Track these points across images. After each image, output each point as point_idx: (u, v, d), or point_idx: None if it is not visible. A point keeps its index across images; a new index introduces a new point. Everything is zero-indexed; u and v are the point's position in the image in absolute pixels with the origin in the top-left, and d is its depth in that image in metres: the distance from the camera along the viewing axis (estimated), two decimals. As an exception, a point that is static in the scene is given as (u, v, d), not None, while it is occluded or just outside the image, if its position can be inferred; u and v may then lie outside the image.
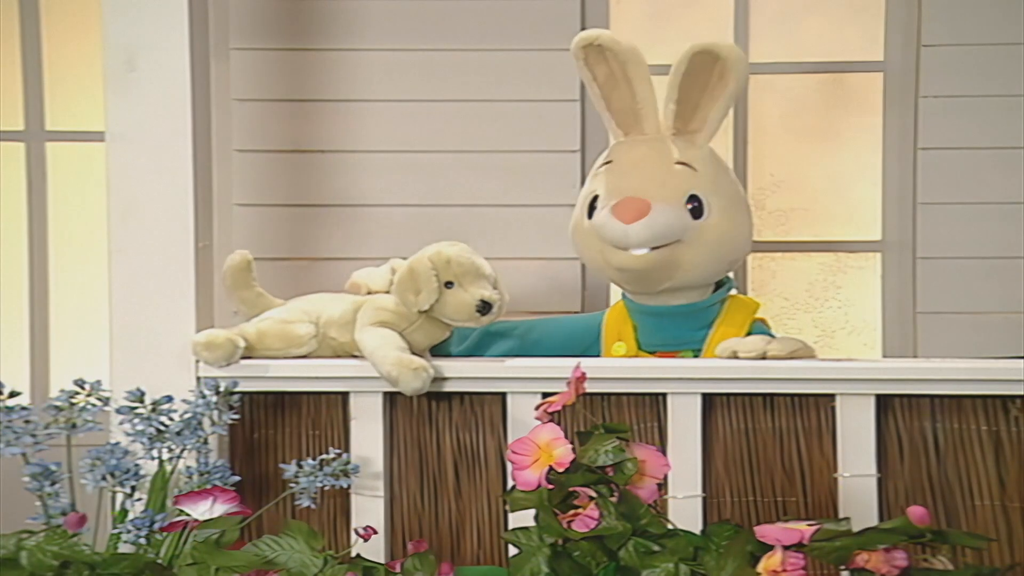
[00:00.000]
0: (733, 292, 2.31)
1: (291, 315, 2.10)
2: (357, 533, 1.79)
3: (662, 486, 1.68)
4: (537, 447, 1.60)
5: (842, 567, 1.51)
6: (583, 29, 2.78)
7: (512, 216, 2.80)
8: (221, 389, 1.92)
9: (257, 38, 2.80)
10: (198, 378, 2.02)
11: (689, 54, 2.17)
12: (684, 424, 2.00)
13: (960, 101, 2.75)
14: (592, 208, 2.24)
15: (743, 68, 2.18)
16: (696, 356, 2.21)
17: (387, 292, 2.10)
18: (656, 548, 1.58)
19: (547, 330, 2.37)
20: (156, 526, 1.76)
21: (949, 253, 2.77)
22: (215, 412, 1.90)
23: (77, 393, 1.87)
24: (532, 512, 1.63)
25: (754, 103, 2.89)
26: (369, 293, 2.12)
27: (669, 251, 2.16)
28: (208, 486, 1.83)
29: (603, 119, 2.30)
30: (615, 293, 2.43)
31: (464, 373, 2.03)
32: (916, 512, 1.52)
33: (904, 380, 1.98)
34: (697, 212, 2.18)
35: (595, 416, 2.03)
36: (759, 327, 2.27)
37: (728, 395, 2.02)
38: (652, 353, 2.23)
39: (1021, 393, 1.95)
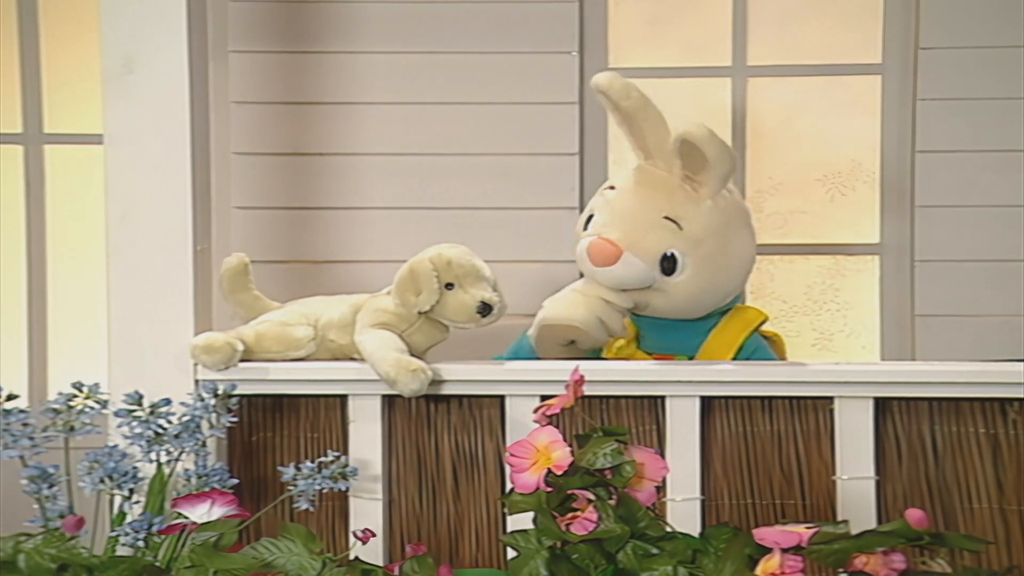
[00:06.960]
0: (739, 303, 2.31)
1: (290, 318, 2.10)
2: (355, 536, 1.79)
3: (660, 489, 1.68)
4: (536, 450, 1.60)
5: (840, 570, 1.51)
6: (581, 32, 2.80)
7: (511, 219, 2.79)
8: (219, 392, 1.91)
9: (255, 41, 2.80)
10: (196, 381, 2.01)
11: (678, 142, 2.12)
12: (682, 427, 2.00)
13: (958, 104, 2.75)
14: (587, 226, 2.24)
15: (726, 167, 2.14)
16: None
17: None
18: (654, 551, 1.58)
19: None
20: (154, 529, 1.76)
21: (947, 256, 2.77)
22: (213, 415, 1.89)
23: (75, 396, 1.86)
24: (531, 515, 1.63)
25: (752, 106, 2.89)
26: None
27: (639, 292, 2.19)
28: (206, 489, 1.83)
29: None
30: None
31: (462, 376, 2.03)
32: (914, 515, 1.52)
33: (902, 383, 1.98)
34: (670, 269, 2.17)
35: (594, 419, 2.03)
36: (753, 342, 2.26)
37: (727, 398, 2.02)
38: (650, 354, 2.24)
39: (1019, 396, 1.95)
